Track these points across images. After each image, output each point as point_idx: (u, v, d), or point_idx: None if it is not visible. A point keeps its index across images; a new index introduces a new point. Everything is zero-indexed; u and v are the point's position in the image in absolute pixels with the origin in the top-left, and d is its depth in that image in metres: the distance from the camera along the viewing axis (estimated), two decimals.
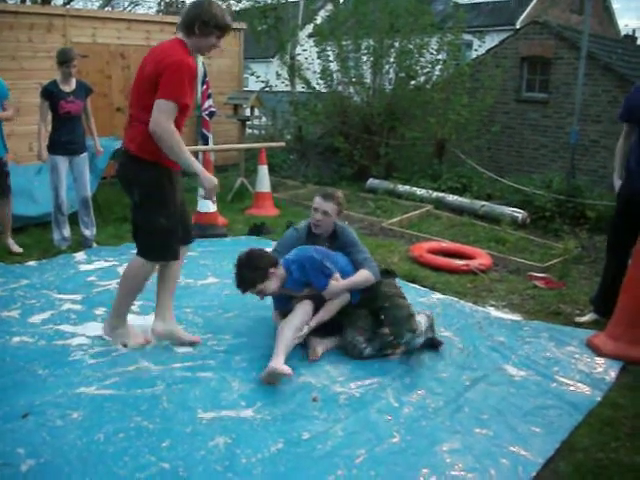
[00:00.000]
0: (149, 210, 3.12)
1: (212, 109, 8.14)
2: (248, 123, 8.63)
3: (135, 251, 3.29)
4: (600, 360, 3.47)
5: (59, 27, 7.42)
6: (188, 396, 2.89)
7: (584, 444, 2.66)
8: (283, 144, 8.16)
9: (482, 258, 5.22)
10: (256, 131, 11.64)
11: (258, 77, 10.40)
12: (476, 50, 10.05)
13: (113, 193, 6.38)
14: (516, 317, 4.16)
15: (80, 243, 5.34)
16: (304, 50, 9.98)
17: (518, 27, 13.41)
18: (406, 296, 3.58)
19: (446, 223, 6.72)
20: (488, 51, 10.00)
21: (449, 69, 8.78)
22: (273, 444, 2.55)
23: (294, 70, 10.13)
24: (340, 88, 9.28)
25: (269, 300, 3.66)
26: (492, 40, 10.91)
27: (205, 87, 8.10)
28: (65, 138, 4.97)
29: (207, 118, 8.09)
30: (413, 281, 4.77)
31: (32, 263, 4.85)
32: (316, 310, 3.39)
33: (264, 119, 11.29)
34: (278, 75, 10.38)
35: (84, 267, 4.79)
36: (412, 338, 3.29)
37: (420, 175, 8.40)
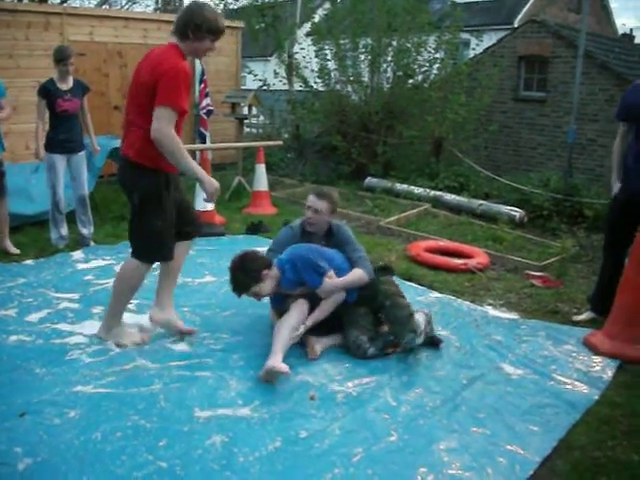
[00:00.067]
0: (147, 213, 3.15)
1: (210, 107, 8.15)
2: (246, 122, 8.62)
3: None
4: (597, 359, 3.47)
5: (56, 25, 7.40)
6: (185, 395, 2.89)
7: (581, 442, 2.67)
8: (281, 143, 8.16)
9: (480, 257, 5.22)
10: (254, 130, 11.63)
11: (256, 76, 10.38)
12: (474, 49, 10.06)
13: (110, 192, 6.37)
14: (513, 316, 4.16)
15: (77, 242, 5.33)
16: (302, 49, 9.97)
17: (516, 26, 13.43)
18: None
19: (444, 222, 6.73)
20: (486, 50, 10.01)
21: (447, 68, 8.78)
22: (270, 442, 2.55)
23: (292, 69, 10.13)
24: (338, 87, 9.28)
25: (266, 298, 3.66)
26: (490, 39, 10.93)
27: (203, 85, 8.12)
28: (62, 136, 4.96)
29: (205, 117, 8.10)
30: (410, 280, 4.77)
31: (29, 262, 4.83)
32: (312, 308, 3.40)
33: (262, 118, 11.28)
34: (276, 74, 10.37)
35: (81, 266, 4.79)
36: (413, 338, 3.30)
37: (418, 174, 8.41)
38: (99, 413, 2.69)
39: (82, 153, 5.16)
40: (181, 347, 3.41)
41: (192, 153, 5.37)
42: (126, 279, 3.28)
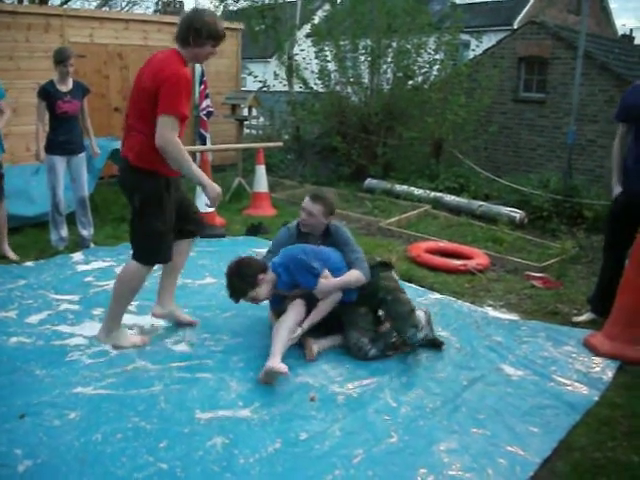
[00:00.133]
0: (147, 215, 3.17)
1: (210, 109, 8.16)
2: (246, 123, 8.62)
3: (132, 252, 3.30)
4: (597, 360, 3.47)
5: (56, 27, 7.40)
6: (186, 396, 2.89)
7: (581, 443, 2.67)
8: (281, 144, 8.16)
9: (480, 258, 5.23)
10: (254, 131, 11.63)
11: (256, 77, 10.40)
12: (473, 50, 10.07)
13: (111, 193, 6.37)
14: (513, 317, 4.16)
15: (77, 243, 5.32)
16: (302, 50, 9.97)
17: (515, 27, 13.44)
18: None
19: (444, 223, 6.73)
20: (485, 51, 10.02)
21: (447, 69, 8.79)
22: (271, 444, 2.55)
23: (292, 70, 10.13)
24: (338, 88, 9.28)
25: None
26: (489, 40, 10.93)
27: (203, 87, 8.12)
28: (62, 138, 4.96)
29: (205, 118, 8.11)
30: (410, 281, 4.76)
31: (29, 263, 4.84)
32: (309, 308, 3.40)
33: (262, 119, 11.29)
34: (276, 75, 10.38)
35: (81, 267, 4.79)
36: (414, 333, 3.31)
37: (418, 175, 8.41)
38: (99, 414, 2.69)
39: (82, 155, 5.16)
40: (181, 348, 3.42)
41: (192, 155, 5.35)
42: (127, 281, 3.29)
